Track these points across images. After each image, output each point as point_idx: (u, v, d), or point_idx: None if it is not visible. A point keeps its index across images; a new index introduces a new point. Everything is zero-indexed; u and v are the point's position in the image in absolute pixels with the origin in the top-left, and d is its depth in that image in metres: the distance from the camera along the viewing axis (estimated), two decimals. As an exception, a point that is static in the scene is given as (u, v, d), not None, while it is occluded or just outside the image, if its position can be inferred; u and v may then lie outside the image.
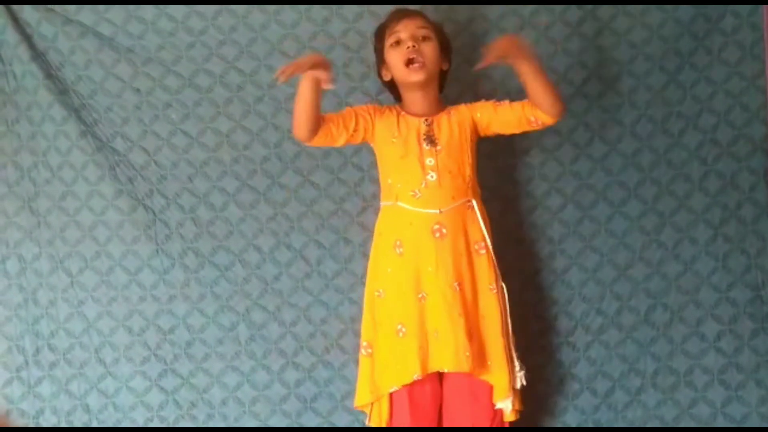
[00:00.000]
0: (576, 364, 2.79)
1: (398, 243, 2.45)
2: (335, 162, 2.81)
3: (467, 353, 2.36)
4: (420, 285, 2.42)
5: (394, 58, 2.47)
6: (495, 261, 2.48)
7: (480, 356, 2.42)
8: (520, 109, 2.47)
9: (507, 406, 2.45)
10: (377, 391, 2.46)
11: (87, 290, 2.86)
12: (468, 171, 2.47)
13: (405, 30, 2.45)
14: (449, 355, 2.37)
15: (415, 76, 2.45)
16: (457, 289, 2.40)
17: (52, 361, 2.87)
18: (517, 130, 2.52)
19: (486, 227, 2.47)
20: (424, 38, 2.46)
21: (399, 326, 2.43)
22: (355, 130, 2.48)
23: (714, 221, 2.75)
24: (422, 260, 2.42)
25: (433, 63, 2.47)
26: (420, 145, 2.45)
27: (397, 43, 2.46)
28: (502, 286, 2.48)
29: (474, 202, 2.47)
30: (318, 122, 2.42)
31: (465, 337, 2.37)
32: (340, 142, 2.50)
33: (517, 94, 2.76)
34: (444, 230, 2.41)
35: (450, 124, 2.48)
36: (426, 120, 2.48)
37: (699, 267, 2.76)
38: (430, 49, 2.46)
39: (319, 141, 2.47)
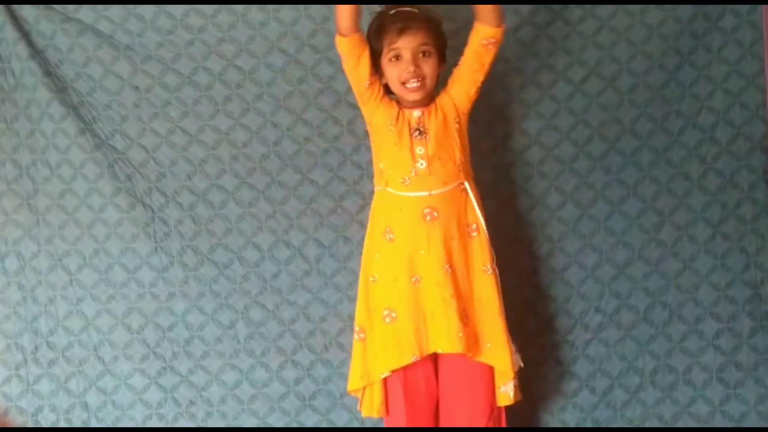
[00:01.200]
0: (575, 362, 2.79)
1: (388, 229, 2.45)
2: (334, 160, 2.81)
3: (460, 334, 2.36)
4: (414, 268, 2.42)
5: (392, 74, 2.43)
6: (489, 242, 2.46)
7: (475, 338, 2.42)
8: (471, 45, 2.42)
9: (510, 390, 2.45)
10: (369, 377, 2.47)
11: (86, 288, 2.86)
12: (458, 155, 2.46)
13: (406, 48, 2.39)
14: (443, 336, 2.38)
15: (413, 95, 2.43)
16: (449, 270, 2.40)
17: (51, 359, 2.87)
18: (485, 64, 2.43)
19: (480, 209, 2.46)
20: (425, 54, 2.41)
21: (386, 311, 2.44)
22: (372, 79, 2.43)
23: (713, 220, 2.75)
24: (414, 244, 2.42)
25: (432, 80, 2.43)
26: (411, 136, 2.44)
27: (397, 58, 2.41)
28: (495, 268, 2.48)
29: (467, 185, 2.46)
30: (358, 21, 2.41)
31: (457, 318, 2.37)
32: (359, 67, 2.42)
33: (517, 92, 2.77)
34: (435, 213, 2.41)
35: (437, 113, 2.46)
36: (417, 112, 2.46)
37: (698, 265, 2.76)
38: (429, 67, 2.41)
39: (353, 44, 2.41)
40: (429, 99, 2.49)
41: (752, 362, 2.75)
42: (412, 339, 2.41)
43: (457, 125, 2.47)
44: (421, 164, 2.43)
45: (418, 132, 2.45)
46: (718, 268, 2.75)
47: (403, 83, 2.41)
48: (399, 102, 2.51)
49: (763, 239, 2.74)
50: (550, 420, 2.80)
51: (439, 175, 2.43)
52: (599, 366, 2.79)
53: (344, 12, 2.40)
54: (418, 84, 2.40)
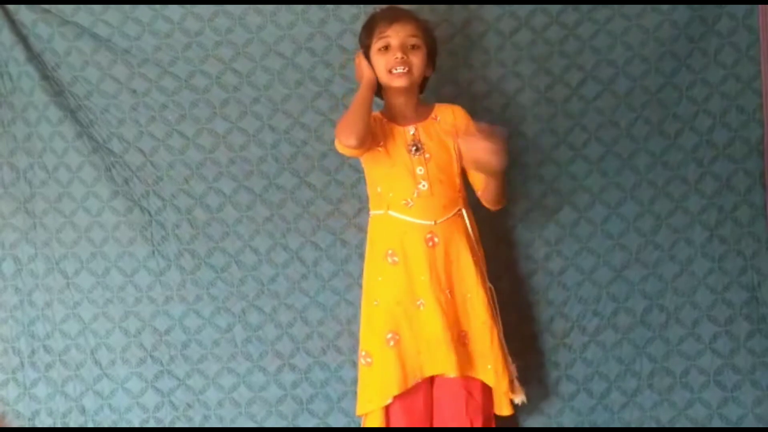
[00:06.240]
0: (572, 365, 2.79)
1: (391, 252, 2.44)
2: (332, 163, 2.81)
3: (455, 357, 2.36)
4: (417, 292, 2.42)
5: (380, 64, 2.44)
6: (483, 265, 2.48)
7: (473, 360, 2.42)
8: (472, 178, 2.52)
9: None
10: (380, 402, 2.43)
11: (83, 292, 2.86)
12: (457, 180, 2.47)
13: (395, 37, 2.42)
14: (440, 360, 2.38)
15: (398, 81, 2.42)
16: (449, 296, 2.41)
17: (48, 363, 2.87)
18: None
19: (474, 233, 2.48)
20: (414, 47, 2.43)
21: (390, 335, 2.42)
22: (372, 140, 2.47)
23: (710, 223, 2.76)
24: (417, 269, 2.42)
25: (419, 71, 2.44)
26: (409, 153, 2.45)
27: (386, 48, 2.43)
28: (490, 287, 2.48)
29: (464, 211, 2.47)
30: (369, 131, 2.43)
31: (454, 343, 2.37)
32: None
33: (514, 95, 2.78)
34: (436, 239, 2.41)
35: (437, 133, 2.48)
36: (412, 129, 2.47)
37: (695, 268, 2.76)
38: (417, 59, 2.43)
39: (364, 148, 2.44)
40: (420, 113, 2.49)
41: (749, 365, 2.76)
42: (414, 361, 2.40)
43: (458, 151, 2.44)
44: (423, 185, 2.43)
45: (415, 149, 2.45)
46: (715, 271, 2.76)
47: (390, 70, 2.41)
48: (381, 115, 2.51)
49: (760, 242, 2.75)
50: (547, 423, 2.80)
51: (441, 199, 2.43)
52: (596, 369, 2.79)
53: (360, 125, 2.38)
54: (405, 70, 2.41)
